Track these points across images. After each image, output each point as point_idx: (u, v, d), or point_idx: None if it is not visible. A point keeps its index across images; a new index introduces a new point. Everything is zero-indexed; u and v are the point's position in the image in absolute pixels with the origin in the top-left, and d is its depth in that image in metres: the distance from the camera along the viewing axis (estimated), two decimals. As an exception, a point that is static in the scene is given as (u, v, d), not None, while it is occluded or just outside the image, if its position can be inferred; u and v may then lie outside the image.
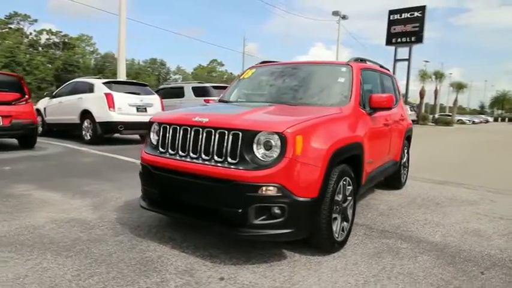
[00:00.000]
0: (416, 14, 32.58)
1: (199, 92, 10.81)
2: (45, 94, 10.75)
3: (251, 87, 3.78)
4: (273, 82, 3.57)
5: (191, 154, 2.51)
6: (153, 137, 2.88)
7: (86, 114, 8.53)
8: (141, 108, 8.66)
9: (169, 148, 2.65)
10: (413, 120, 28.63)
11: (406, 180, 5.06)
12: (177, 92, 11.29)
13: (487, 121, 59.17)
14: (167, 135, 2.67)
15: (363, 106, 3.22)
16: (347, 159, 2.69)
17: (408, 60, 33.07)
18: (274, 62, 4.06)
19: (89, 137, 8.52)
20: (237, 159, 2.31)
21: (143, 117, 8.65)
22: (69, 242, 2.69)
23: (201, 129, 2.48)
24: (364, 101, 3.24)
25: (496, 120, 72.89)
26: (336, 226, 2.58)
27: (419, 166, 6.43)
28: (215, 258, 2.50)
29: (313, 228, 2.39)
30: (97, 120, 8.26)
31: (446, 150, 11.14)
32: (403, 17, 33.17)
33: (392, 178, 4.53)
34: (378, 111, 3.36)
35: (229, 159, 2.34)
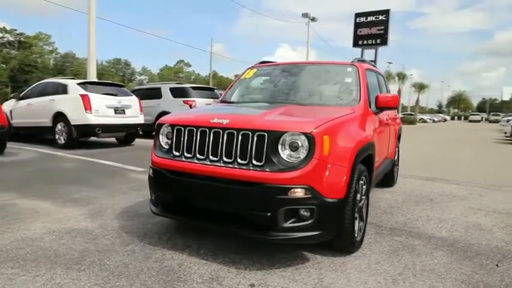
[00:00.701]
0: (380, 17, 33.79)
1: (178, 92, 10.56)
2: (11, 96, 10.06)
3: (255, 87, 3.71)
4: (278, 82, 3.53)
5: (211, 157, 2.41)
6: (163, 140, 2.75)
7: (59, 116, 8.06)
8: (119, 110, 8.32)
9: (185, 151, 2.53)
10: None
11: (397, 177, 5.20)
12: (154, 93, 10.97)
13: (445, 120, 62.47)
14: (182, 137, 2.55)
15: (370, 106, 3.26)
16: (363, 159, 2.70)
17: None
18: (273, 62, 4.03)
19: (63, 141, 8.06)
20: (263, 161, 2.25)
21: (122, 120, 8.35)
22: (76, 255, 2.50)
23: (221, 131, 2.39)
24: (370, 100, 3.28)
25: (452, 118, 77.12)
26: (356, 226, 2.58)
27: (404, 163, 6.64)
28: (238, 264, 2.42)
29: (338, 229, 2.37)
30: (72, 123, 7.83)
31: (421, 148, 11.59)
32: (368, 20, 34.28)
33: (387, 176, 4.63)
34: (383, 111, 3.41)
35: (254, 162, 2.27)
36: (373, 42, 34.72)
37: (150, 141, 9.99)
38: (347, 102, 3.10)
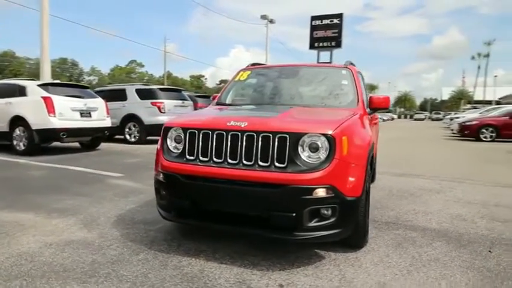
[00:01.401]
0: (335, 20, 35.03)
1: (145, 94, 10.22)
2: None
3: (253, 89, 3.73)
4: (276, 84, 3.58)
5: (229, 160, 2.40)
6: (171, 144, 2.68)
7: (17, 121, 7.46)
8: (85, 113, 7.88)
9: (200, 155, 2.49)
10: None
11: (375, 174, 5.48)
12: (118, 95, 10.51)
13: (392, 118, 66.30)
14: (196, 141, 2.51)
15: (365, 107, 3.42)
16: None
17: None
18: (263, 64, 4.07)
19: (22, 147, 7.47)
20: (286, 163, 2.28)
21: (88, 123, 7.95)
22: (87, 267, 2.36)
23: (240, 134, 2.39)
24: (365, 102, 3.44)
25: (399, 117, 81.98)
26: (366, 222, 2.70)
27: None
28: (258, 265, 2.43)
29: (355, 226, 2.47)
30: (33, 128, 7.28)
31: (383, 146, 12.21)
32: (323, 23, 35.40)
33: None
34: (375, 112, 3.59)
35: (276, 163, 2.29)
36: (329, 45, 35.96)
37: (116, 145, 9.67)
38: (346, 104, 3.23)
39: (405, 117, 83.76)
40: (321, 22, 36.06)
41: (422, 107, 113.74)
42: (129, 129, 10.25)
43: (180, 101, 10.58)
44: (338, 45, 36.07)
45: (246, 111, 2.98)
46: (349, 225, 2.40)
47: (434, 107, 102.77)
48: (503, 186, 5.24)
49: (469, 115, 18.97)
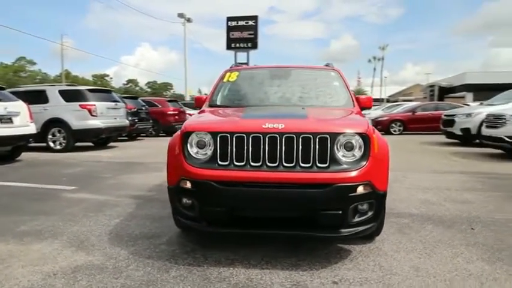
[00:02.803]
0: (250, 22, 36.05)
1: (71, 96, 9.13)
2: None
3: (250, 90, 3.65)
4: (274, 85, 3.60)
5: (268, 163, 2.36)
6: (192, 150, 2.52)
7: None
8: (5, 119, 6.76)
9: (234, 159, 2.40)
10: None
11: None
12: (36, 97, 9.17)
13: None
14: (230, 145, 2.40)
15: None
16: None
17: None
18: (244, 65, 4.04)
19: None
20: (328, 163, 2.34)
21: (9, 130, 6.86)
22: (122, 293, 2.09)
23: (278, 136, 2.37)
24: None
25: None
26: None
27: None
28: (300, 266, 2.44)
29: (382, 218, 2.65)
30: None
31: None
32: (239, 24, 36.12)
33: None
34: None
35: (318, 164, 2.34)
36: (245, 46, 36.90)
37: (38, 154, 8.49)
38: (344, 104, 3.40)
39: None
40: (237, 23, 36.76)
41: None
42: (53, 135, 9.07)
43: (113, 103, 9.75)
44: (254, 46, 37.16)
45: (267, 112, 2.92)
46: (380, 218, 2.57)
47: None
48: (440, 173, 6.09)
49: (373, 112, 21.29)
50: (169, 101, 15.67)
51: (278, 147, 2.36)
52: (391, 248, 2.78)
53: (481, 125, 9.42)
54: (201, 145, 2.53)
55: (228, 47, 37.02)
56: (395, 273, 2.34)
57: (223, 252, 2.67)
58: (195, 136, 2.53)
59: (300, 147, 2.35)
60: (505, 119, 7.39)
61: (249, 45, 36.84)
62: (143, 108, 13.14)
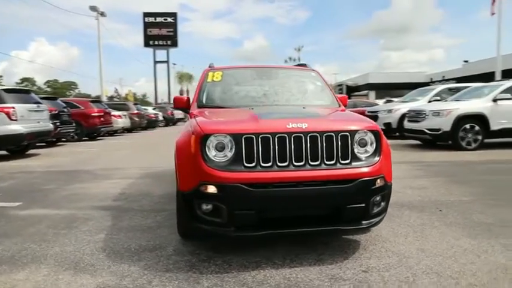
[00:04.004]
0: (169, 19, 34.95)
1: (-19, 97, 7.80)
2: None
3: (237, 90, 3.57)
4: (264, 85, 3.59)
5: (294, 162, 2.40)
6: (211, 153, 2.42)
7: None
8: None
9: (261, 160, 2.37)
10: (181, 118, 30.24)
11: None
12: None
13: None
14: (255, 146, 2.37)
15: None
16: None
17: (167, 62, 35.09)
18: (223, 66, 3.98)
19: None
20: (350, 159, 2.47)
21: None
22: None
23: (303, 135, 2.41)
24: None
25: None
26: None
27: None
28: (325, 261, 2.52)
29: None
30: None
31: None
32: (157, 20, 34.74)
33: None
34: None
35: (341, 160, 2.45)
36: (165, 44, 35.64)
37: None
38: (330, 103, 3.58)
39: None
40: (155, 19, 35.32)
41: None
42: (-39, 144, 7.66)
43: (35, 105, 8.59)
44: (174, 44, 36.21)
45: (281, 112, 2.90)
46: (387, 207, 2.79)
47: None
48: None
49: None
50: (92, 101, 14.38)
51: (303, 146, 2.41)
52: (389, 234, 3.04)
53: (401, 119, 10.68)
54: (220, 147, 2.44)
55: (146, 44, 35.39)
56: (409, 256, 2.58)
57: (242, 256, 2.62)
58: (213, 138, 2.43)
59: (324, 145, 2.43)
60: (425, 114, 8.50)
61: (169, 42, 35.73)
62: (65, 110, 11.82)
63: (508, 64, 23.05)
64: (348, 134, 2.48)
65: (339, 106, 3.56)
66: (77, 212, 3.84)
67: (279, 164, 2.39)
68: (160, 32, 34.24)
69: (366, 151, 2.58)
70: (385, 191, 2.62)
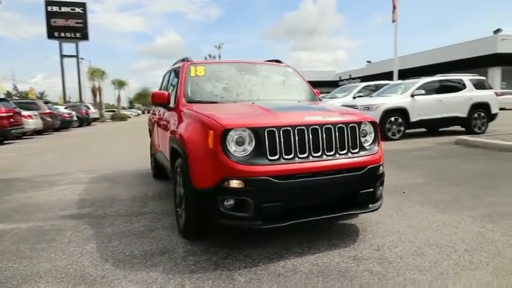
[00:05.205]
0: (77, 9, 31.85)
1: None
2: None
3: (226, 85, 3.46)
4: (248, 80, 3.57)
5: (313, 153, 2.50)
6: (232, 147, 2.40)
7: None
8: None
9: (283, 153, 2.42)
10: (97, 118, 28.05)
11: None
12: None
13: (138, 114, 67.81)
14: (278, 139, 2.41)
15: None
16: None
17: (77, 56, 31.98)
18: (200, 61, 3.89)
19: None
20: (358, 148, 2.67)
21: None
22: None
23: (319, 127, 2.53)
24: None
25: (143, 112, 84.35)
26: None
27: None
28: (338, 245, 2.69)
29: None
30: None
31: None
32: (63, 10, 31.37)
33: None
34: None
35: (352, 150, 2.64)
36: (73, 36, 32.24)
37: None
38: (312, 97, 3.75)
39: (148, 112, 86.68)
40: (59, 9, 31.80)
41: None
42: None
43: None
44: (84, 37, 33.15)
45: (289, 105, 2.93)
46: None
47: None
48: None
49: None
50: (-3, 100, 12.43)
51: (320, 137, 2.53)
52: (377, 216, 3.33)
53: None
54: (239, 142, 2.43)
55: (50, 36, 31.65)
56: (404, 233, 2.89)
57: (260, 249, 2.64)
58: (233, 133, 2.41)
59: (337, 136, 2.59)
60: (357, 108, 9.32)
61: (78, 35, 32.47)
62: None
63: (404, 65, 26.54)
64: (355, 125, 2.67)
65: (319, 100, 3.76)
66: (42, 224, 3.38)
67: (300, 156, 2.47)
68: (67, 23, 30.99)
69: (367, 141, 2.81)
70: (383, 177, 2.89)
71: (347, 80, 42.98)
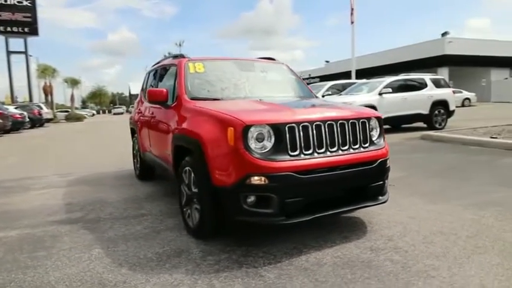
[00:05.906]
0: (25, 2, 29.69)
1: None
2: None
3: (228, 82, 3.41)
4: (248, 77, 3.55)
5: (330, 148, 2.56)
6: (252, 143, 2.39)
7: None
8: None
9: (303, 149, 2.45)
10: (50, 119, 26.42)
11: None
12: None
13: (93, 114, 64.58)
14: (298, 135, 2.44)
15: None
16: None
17: (25, 53, 29.83)
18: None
19: None
20: (368, 143, 2.76)
21: None
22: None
23: (334, 123, 2.59)
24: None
25: (98, 112, 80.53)
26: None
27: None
28: (350, 238, 2.77)
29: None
30: None
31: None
32: (9, 3, 29.08)
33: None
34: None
35: (363, 144, 2.72)
36: (21, 31, 29.91)
37: None
38: (309, 94, 3.81)
39: (103, 112, 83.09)
40: (5, 1, 29.39)
41: (112, 102, 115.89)
42: None
43: None
44: (34, 32, 31.01)
45: (301, 102, 2.95)
46: (386, 185, 3.19)
47: (122, 101, 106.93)
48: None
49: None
50: None
51: (335, 133, 2.59)
52: (376, 209, 3.44)
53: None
54: (259, 138, 2.43)
55: (-5, 31, 29.13)
56: (408, 223, 3.04)
57: (277, 245, 2.66)
58: (253, 129, 2.40)
59: (350, 131, 2.66)
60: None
61: (26, 30, 30.20)
62: None
63: (361, 64, 27.70)
64: (365, 120, 2.77)
65: (316, 97, 3.84)
66: (32, 231, 3.14)
67: (318, 151, 2.51)
68: (14, 16, 28.81)
69: (374, 135, 2.92)
70: (389, 170, 3.01)
71: (307, 79, 44.03)
